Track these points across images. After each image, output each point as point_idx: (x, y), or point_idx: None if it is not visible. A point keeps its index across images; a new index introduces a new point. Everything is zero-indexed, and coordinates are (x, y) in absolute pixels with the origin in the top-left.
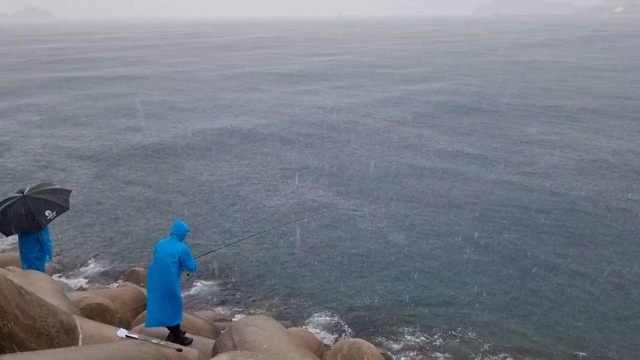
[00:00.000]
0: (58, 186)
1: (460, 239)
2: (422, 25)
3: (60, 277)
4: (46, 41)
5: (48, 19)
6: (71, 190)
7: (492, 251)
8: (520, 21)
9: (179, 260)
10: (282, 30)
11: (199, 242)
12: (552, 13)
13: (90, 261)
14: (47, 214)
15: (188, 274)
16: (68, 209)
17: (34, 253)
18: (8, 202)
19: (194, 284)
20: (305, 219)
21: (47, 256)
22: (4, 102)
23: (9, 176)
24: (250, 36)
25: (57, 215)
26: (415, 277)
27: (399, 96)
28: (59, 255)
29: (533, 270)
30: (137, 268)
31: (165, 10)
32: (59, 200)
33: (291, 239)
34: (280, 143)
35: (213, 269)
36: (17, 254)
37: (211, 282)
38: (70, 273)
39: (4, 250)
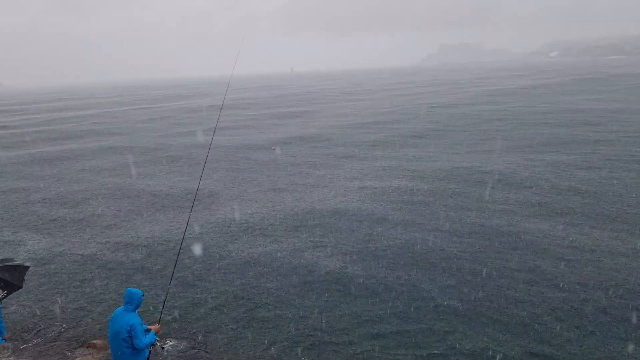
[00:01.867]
0: (17, 262)
1: None
2: (389, 77)
3: (11, 357)
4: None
5: None
6: (29, 267)
7: None
8: (477, 67)
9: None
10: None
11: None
12: (496, 59)
13: (45, 336)
14: None
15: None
16: (21, 287)
17: None
18: None
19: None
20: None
21: (0, 337)
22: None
23: None
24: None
25: (7, 295)
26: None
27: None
28: (10, 337)
29: None
30: (95, 341)
31: (135, 71)
32: (12, 279)
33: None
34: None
35: (173, 327)
36: None
37: (175, 344)
38: (24, 350)
39: None
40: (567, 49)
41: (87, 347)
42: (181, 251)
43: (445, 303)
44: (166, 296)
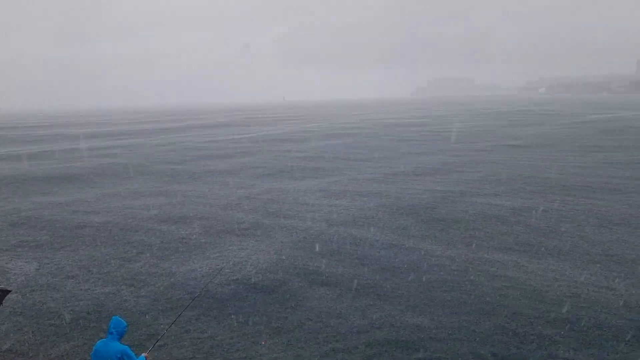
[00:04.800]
0: (1, 287)
1: None
2: (403, 107)
3: None
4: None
5: None
6: (10, 291)
7: None
8: (485, 101)
9: None
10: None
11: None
12: (486, 94)
13: None
14: None
15: None
16: None
17: None
18: None
19: None
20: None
21: None
22: None
23: None
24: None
25: None
26: None
27: None
28: None
29: None
30: None
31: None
32: None
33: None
34: None
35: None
36: None
37: None
38: None
39: None
40: (552, 86)
41: None
42: None
43: None
44: (167, 330)
